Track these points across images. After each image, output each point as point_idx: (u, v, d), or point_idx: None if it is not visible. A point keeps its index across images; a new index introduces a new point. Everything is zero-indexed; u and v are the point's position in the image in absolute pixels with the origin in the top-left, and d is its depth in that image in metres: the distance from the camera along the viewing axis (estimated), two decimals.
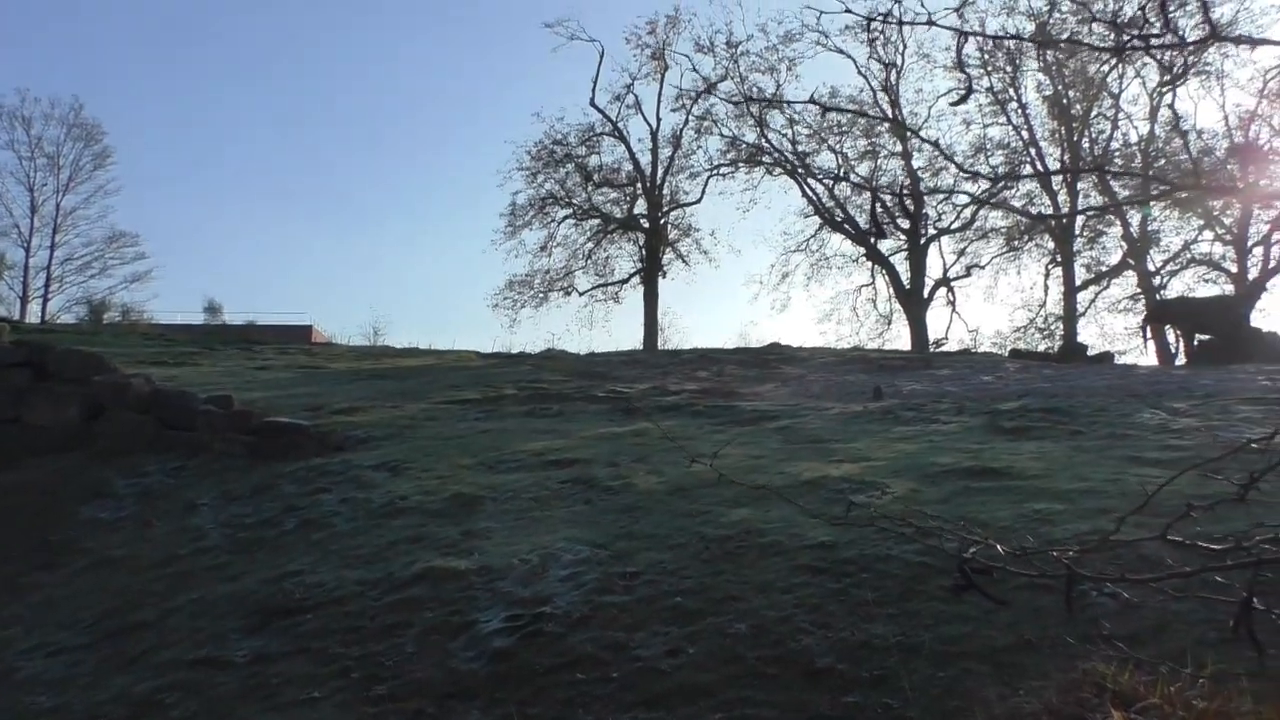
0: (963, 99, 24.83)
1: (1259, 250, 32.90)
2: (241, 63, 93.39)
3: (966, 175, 35.86)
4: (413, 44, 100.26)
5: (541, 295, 37.82)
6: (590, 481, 6.83)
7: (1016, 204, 36.02)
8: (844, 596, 4.23)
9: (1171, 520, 2.03)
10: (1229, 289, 32.22)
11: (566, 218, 37.72)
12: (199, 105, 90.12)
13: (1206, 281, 34.54)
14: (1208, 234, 34.54)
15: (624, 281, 38.07)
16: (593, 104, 36.84)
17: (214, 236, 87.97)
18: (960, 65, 32.74)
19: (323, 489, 7.21)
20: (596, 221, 37.80)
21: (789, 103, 35.83)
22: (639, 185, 37.36)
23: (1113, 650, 3.39)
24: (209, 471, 8.46)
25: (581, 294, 38.19)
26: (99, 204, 48.74)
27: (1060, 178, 34.57)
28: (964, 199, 36.25)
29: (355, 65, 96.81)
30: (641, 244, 37.60)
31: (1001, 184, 35.42)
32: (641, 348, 33.16)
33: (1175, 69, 31.50)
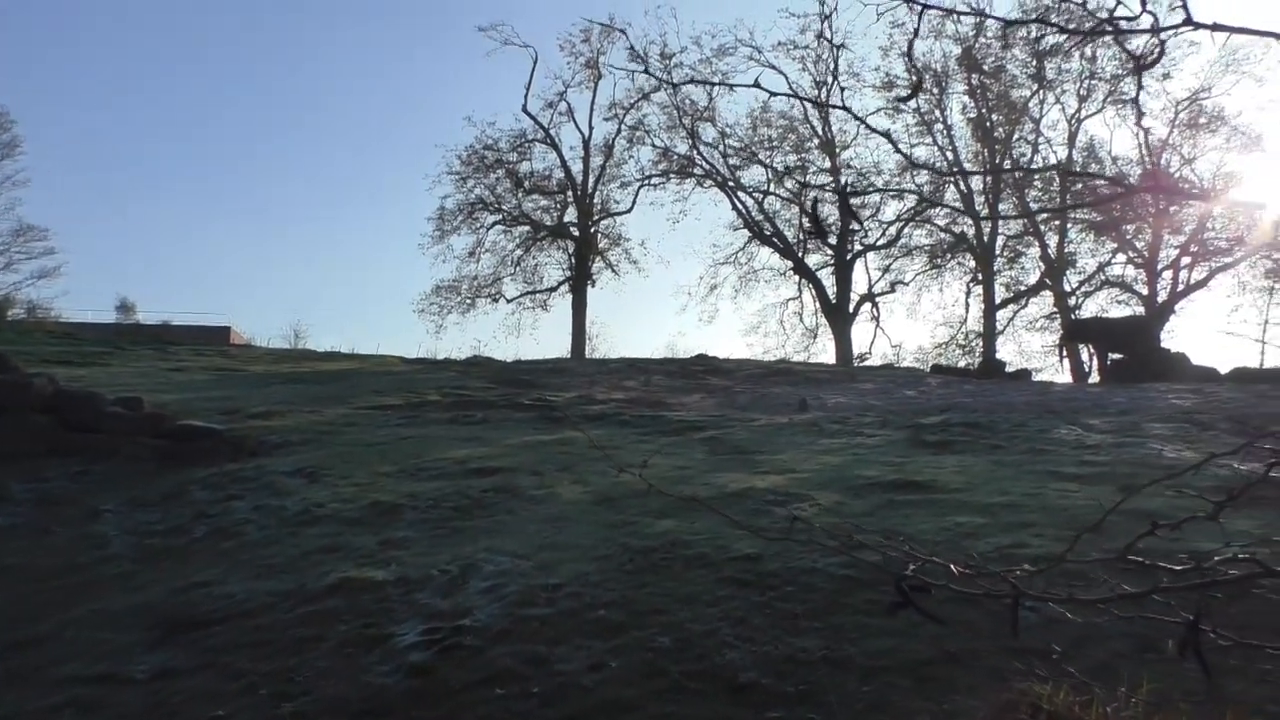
0: (911, 94, 25.40)
1: (1168, 274, 34.19)
2: (162, 54, 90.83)
3: (893, 193, 36.42)
4: (343, 41, 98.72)
5: (469, 301, 37.50)
6: (513, 490, 6.71)
7: (940, 222, 36.90)
8: (769, 609, 4.20)
9: (1134, 539, 2.02)
10: (1140, 310, 33.41)
11: (496, 224, 37.51)
12: (117, 97, 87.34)
13: (1119, 303, 35.80)
14: (1121, 257, 35.81)
15: (553, 289, 37.97)
16: (525, 110, 36.74)
17: (129, 233, 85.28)
18: (909, 59, 33.33)
19: (235, 496, 6.96)
20: (526, 228, 37.63)
21: (731, 85, 36.10)
22: (570, 193, 37.30)
23: (1039, 666, 3.42)
24: (115, 476, 8.10)
25: (509, 301, 37.98)
26: (6, 195, 46.76)
27: (982, 198, 35.48)
28: (890, 213, 36.99)
29: (282, 62, 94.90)
30: (571, 252, 37.52)
31: (926, 205, 36.26)
32: (569, 356, 33.01)
33: (1138, 68, 32.58)
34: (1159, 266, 34.16)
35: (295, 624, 4.30)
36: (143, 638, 4.43)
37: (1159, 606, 2.08)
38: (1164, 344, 26.80)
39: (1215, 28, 1.49)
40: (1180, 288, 33.92)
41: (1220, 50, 32.87)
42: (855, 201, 36.59)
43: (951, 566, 1.91)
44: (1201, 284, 33.93)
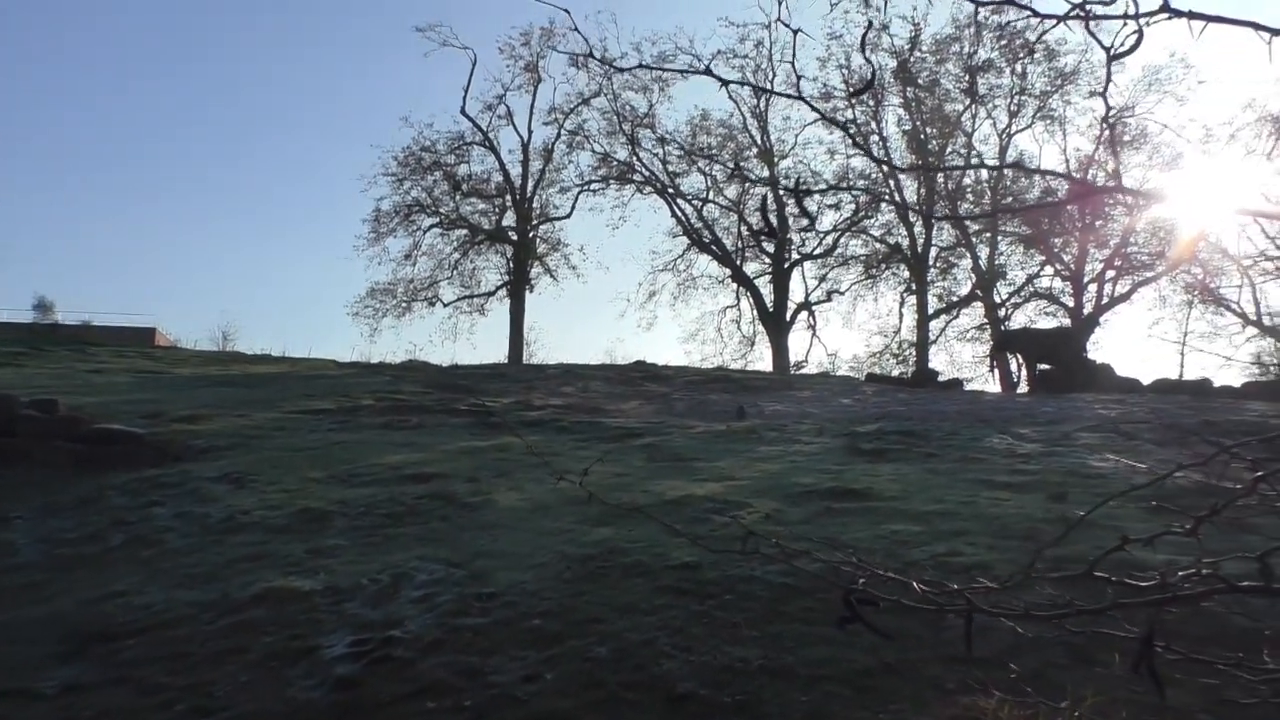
0: (865, 88, 25.73)
1: (1094, 287, 35.16)
2: (88, 47, 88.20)
3: (831, 203, 36.90)
4: (277, 37, 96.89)
5: (404, 305, 36.95)
6: (448, 497, 6.59)
7: (876, 233, 37.47)
8: (708, 618, 4.16)
9: (1102, 554, 2.01)
10: (1066, 322, 34.28)
11: (433, 226, 37.02)
12: (36, 89, 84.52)
13: (1047, 314, 36.69)
14: (1049, 269, 36.71)
15: (490, 294, 37.61)
16: (463, 112, 36.37)
17: (49, 231, 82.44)
18: (863, 49, 33.71)
19: (156, 502, 6.71)
20: (464, 232, 37.22)
21: (681, 72, 36.19)
22: (508, 197, 37.02)
23: (980, 676, 3.42)
24: (28, 481, 7.76)
25: (446, 305, 37.52)
26: None
27: (915, 211, 36.10)
28: (827, 223, 37.43)
29: (211, 56, 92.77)
30: (509, 257, 37.22)
31: (862, 214, 36.79)
32: (507, 361, 32.75)
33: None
34: (1085, 279, 35.10)
35: (216, 636, 4.14)
36: (52, 651, 4.23)
37: (1112, 621, 2.08)
38: (1089, 355, 27.52)
39: (1192, 16, 1.48)
40: (1105, 300, 34.91)
41: (1143, 70, 33.94)
42: (808, 205, 36.95)
43: (915, 584, 1.88)
44: (1125, 297, 34.96)
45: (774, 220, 33.42)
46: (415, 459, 8.14)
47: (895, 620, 3.70)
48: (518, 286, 36.57)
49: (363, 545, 5.41)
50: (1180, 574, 1.78)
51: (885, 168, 35.41)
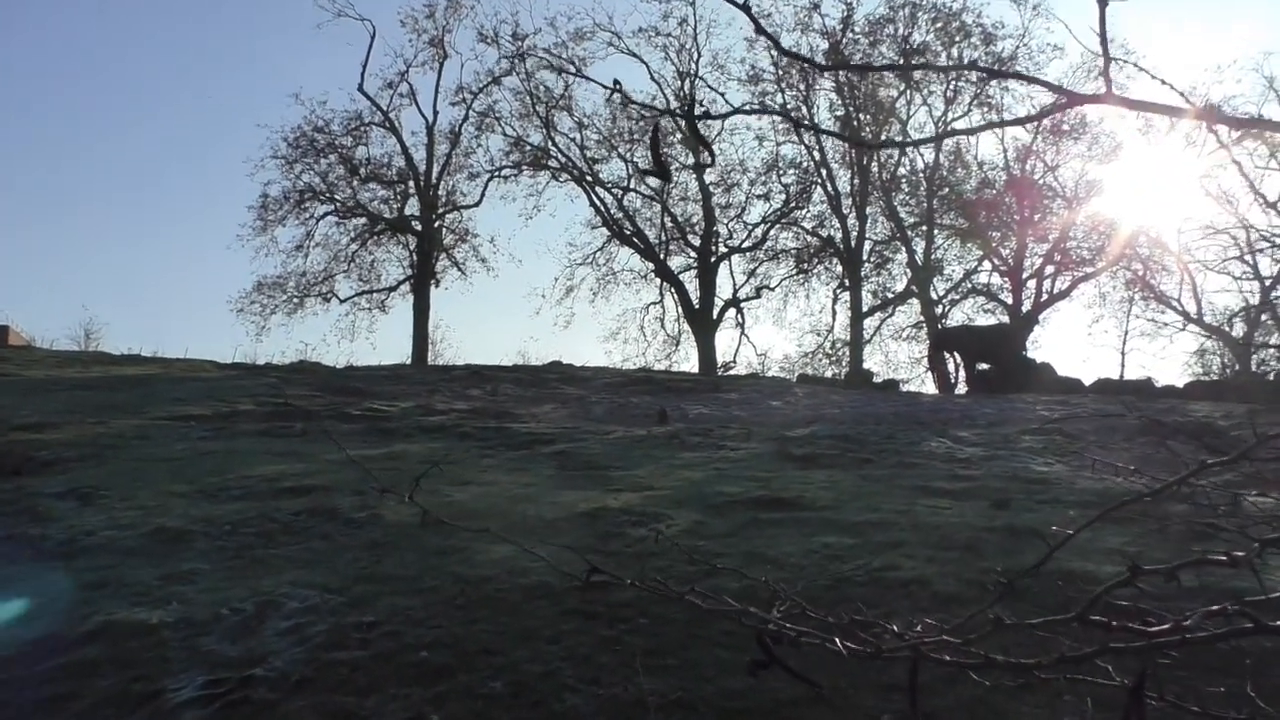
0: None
1: (1033, 283, 36.05)
2: None
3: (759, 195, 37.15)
4: (149, 4, 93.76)
5: (296, 301, 36.05)
6: (330, 513, 6.27)
7: (808, 225, 37.83)
8: (617, 646, 3.96)
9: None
10: (1005, 319, 35.07)
11: (327, 214, 36.18)
12: None
13: (985, 312, 37.54)
14: (986, 265, 37.55)
15: (392, 289, 36.95)
16: (361, 90, 35.61)
17: None
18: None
19: None
20: (362, 220, 36.47)
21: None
22: (411, 183, 36.38)
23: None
24: None
25: (343, 301, 36.73)
26: None
27: (851, 201, 36.56)
28: (756, 214, 37.64)
29: (70, 29, 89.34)
30: (413, 248, 36.59)
31: (794, 205, 37.12)
32: (409, 362, 32.15)
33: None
34: (1024, 275, 35.96)
35: (41, 680, 3.79)
36: None
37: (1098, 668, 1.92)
38: (1029, 354, 28.16)
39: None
40: (1044, 297, 35.82)
41: (1083, 55, 34.90)
42: (719, 201, 37.06)
43: (842, 643, 1.69)
44: (1064, 294, 35.94)
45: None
46: (296, 470, 7.79)
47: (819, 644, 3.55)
48: (422, 281, 35.97)
49: (226, 569, 5.08)
50: (1201, 612, 1.61)
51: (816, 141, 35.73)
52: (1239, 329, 36.46)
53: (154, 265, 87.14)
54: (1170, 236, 36.32)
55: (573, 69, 35.18)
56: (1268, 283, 35.11)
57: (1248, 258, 35.32)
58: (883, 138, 36.73)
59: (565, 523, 6.07)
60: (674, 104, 36.64)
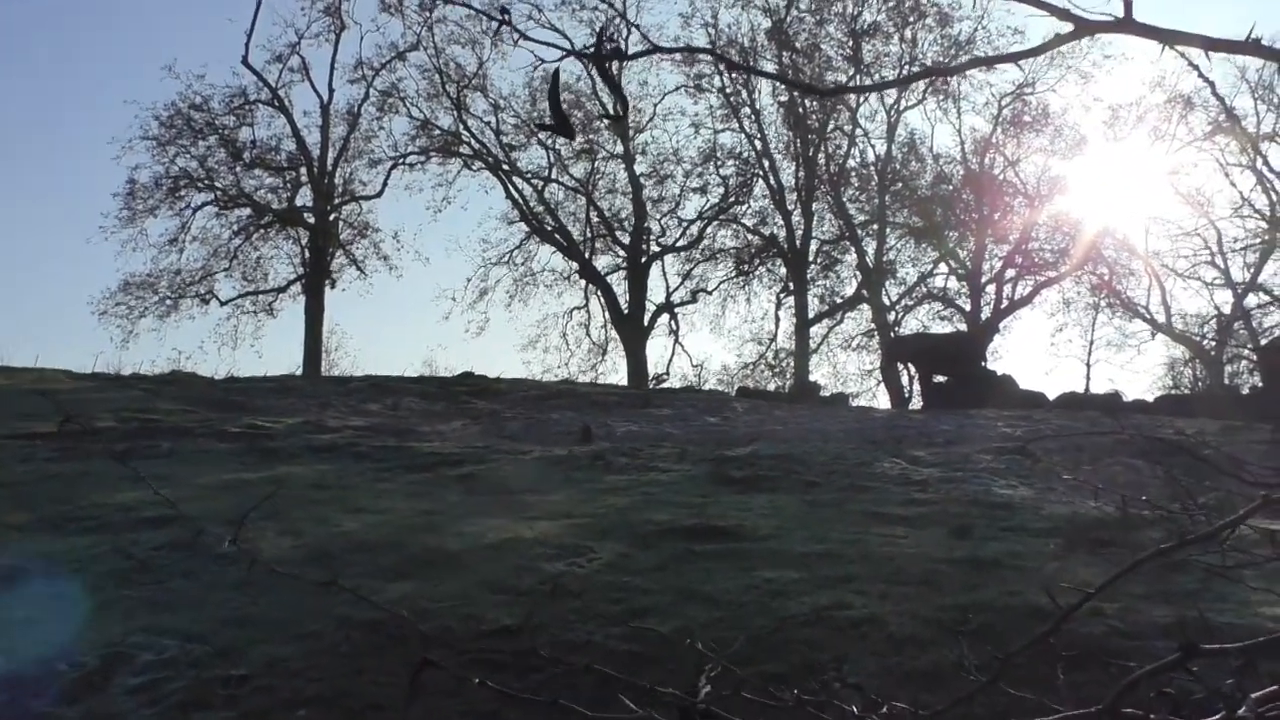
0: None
1: (992, 288, 36.69)
2: None
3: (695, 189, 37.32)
4: None
5: (169, 303, 35.14)
6: (198, 546, 6.04)
7: (748, 222, 38.06)
8: (525, 701, 3.81)
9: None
10: (963, 327, 35.66)
11: (206, 204, 35.34)
12: None
13: (942, 319, 38.11)
14: (943, 267, 38.13)
15: (280, 290, 36.24)
16: (245, 63, 34.79)
17: None
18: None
19: None
20: (246, 212, 35.72)
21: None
22: (303, 170, 35.73)
23: None
24: None
25: (224, 303, 35.89)
26: None
27: (796, 196, 36.89)
28: (692, 210, 37.77)
29: None
30: (305, 244, 35.97)
31: (733, 199, 37.35)
32: (300, 373, 31.59)
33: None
34: (983, 279, 36.61)
35: None
36: None
37: None
38: (989, 365, 28.64)
39: None
40: (1005, 303, 36.49)
41: (1045, 40, 35.70)
42: (650, 194, 37.08)
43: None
44: (1026, 300, 36.65)
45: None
46: (160, 497, 7.51)
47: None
48: (315, 281, 35.35)
49: (67, 616, 4.83)
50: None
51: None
52: (1210, 339, 37.52)
53: (2, 259, 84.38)
54: (1139, 238, 37.24)
55: (488, 41, 34.95)
56: (1240, 289, 36.13)
57: (1219, 261, 36.34)
58: (830, 127, 37.14)
59: (471, 556, 5.93)
60: (599, 85, 36.57)
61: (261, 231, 36.03)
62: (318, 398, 16.77)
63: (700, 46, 36.37)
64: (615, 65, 34.29)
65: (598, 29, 34.74)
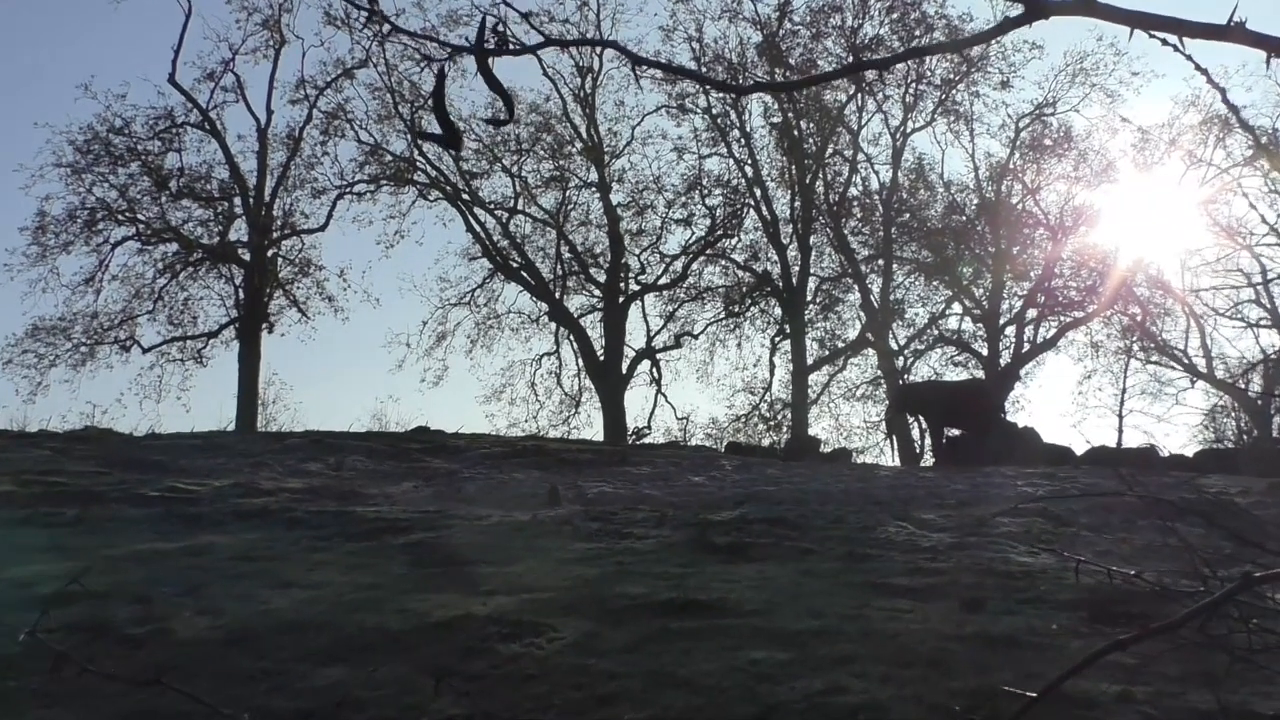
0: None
1: (1012, 330, 36.84)
2: None
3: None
4: None
5: (84, 350, 35.01)
6: (101, 628, 5.96)
7: (738, 258, 38.22)
8: None
9: None
10: (979, 374, 35.79)
11: (127, 239, 35.36)
12: None
13: (956, 365, 38.28)
14: (956, 307, 38.30)
15: (211, 335, 36.19)
16: (172, 81, 35.03)
17: None
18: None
19: None
20: (173, 247, 35.74)
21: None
22: (237, 200, 35.85)
23: None
24: None
25: (146, 350, 35.80)
26: None
27: (791, 229, 37.09)
28: (675, 244, 37.88)
29: None
30: (239, 283, 35.96)
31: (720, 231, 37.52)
32: (231, 429, 31.44)
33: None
34: (1002, 320, 36.79)
35: None
36: None
37: None
38: (1008, 416, 28.72)
39: None
40: (1026, 347, 36.63)
41: (1066, 57, 36.14)
42: (627, 226, 37.19)
43: None
44: (1050, 343, 36.83)
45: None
46: (61, 570, 7.42)
47: None
48: (250, 325, 35.30)
49: None
50: None
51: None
52: (1256, 386, 37.69)
53: None
54: (1174, 274, 37.43)
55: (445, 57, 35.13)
56: None
57: (1265, 299, 36.58)
58: (829, 152, 37.43)
59: (415, 636, 5.86)
60: (571, 105, 36.86)
61: (190, 269, 36.03)
62: (250, 457, 16.69)
63: (601, 40, 36.51)
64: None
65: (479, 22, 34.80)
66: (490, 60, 4.27)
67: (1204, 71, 3.77)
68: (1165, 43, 3.15)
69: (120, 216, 35.15)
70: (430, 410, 78.38)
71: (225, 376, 36.64)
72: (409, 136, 36.25)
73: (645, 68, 35.64)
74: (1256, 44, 2.97)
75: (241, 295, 35.89)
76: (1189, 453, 25.26)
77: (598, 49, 35.76)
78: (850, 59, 35.80)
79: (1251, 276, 36.41)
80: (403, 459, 17.32)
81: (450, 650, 5.59)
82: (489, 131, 36.67)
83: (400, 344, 38.08)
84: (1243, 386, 37.43)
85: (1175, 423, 59.53)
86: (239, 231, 36.22)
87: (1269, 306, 36.56)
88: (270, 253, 36.22)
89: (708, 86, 33.68)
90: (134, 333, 35.73)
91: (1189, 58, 3.55)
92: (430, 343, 38.03)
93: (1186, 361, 37.36)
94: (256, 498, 11.84)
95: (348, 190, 36.60)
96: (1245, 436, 37.56)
